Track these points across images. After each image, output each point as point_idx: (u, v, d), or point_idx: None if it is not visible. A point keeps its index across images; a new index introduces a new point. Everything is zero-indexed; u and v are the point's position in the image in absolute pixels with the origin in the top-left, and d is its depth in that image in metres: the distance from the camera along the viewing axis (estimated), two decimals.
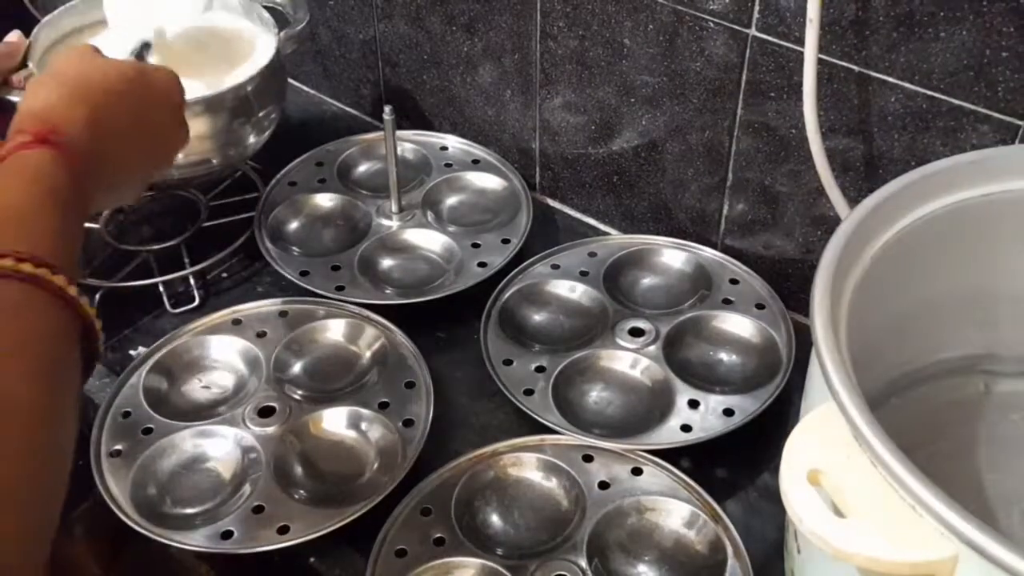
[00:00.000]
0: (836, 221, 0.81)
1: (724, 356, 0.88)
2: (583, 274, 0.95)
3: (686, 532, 0.75)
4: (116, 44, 0.90)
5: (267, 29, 1.00)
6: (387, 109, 0.95)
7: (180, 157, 0.79)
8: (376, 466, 0.80)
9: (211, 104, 0.92)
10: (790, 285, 0.93)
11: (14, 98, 0.86)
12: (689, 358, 0.88)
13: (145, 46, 0.83)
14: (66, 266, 0.54)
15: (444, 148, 1.11)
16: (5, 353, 0.49)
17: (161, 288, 0.95)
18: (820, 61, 0.78)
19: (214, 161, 0.97)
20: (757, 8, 0.81)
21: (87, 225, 1.02)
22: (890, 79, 0.77)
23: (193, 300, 0.95)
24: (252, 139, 0.99)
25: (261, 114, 0.98)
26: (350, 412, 0.83)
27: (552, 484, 0.79)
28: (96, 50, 0.72)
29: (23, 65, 0.90)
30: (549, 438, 0.81)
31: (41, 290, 0.52)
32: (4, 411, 0.47)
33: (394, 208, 1.01)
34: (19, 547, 0.44)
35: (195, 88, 0.88)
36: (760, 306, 0.91)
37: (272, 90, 0.99)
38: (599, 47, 0.94)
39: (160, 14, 0.88)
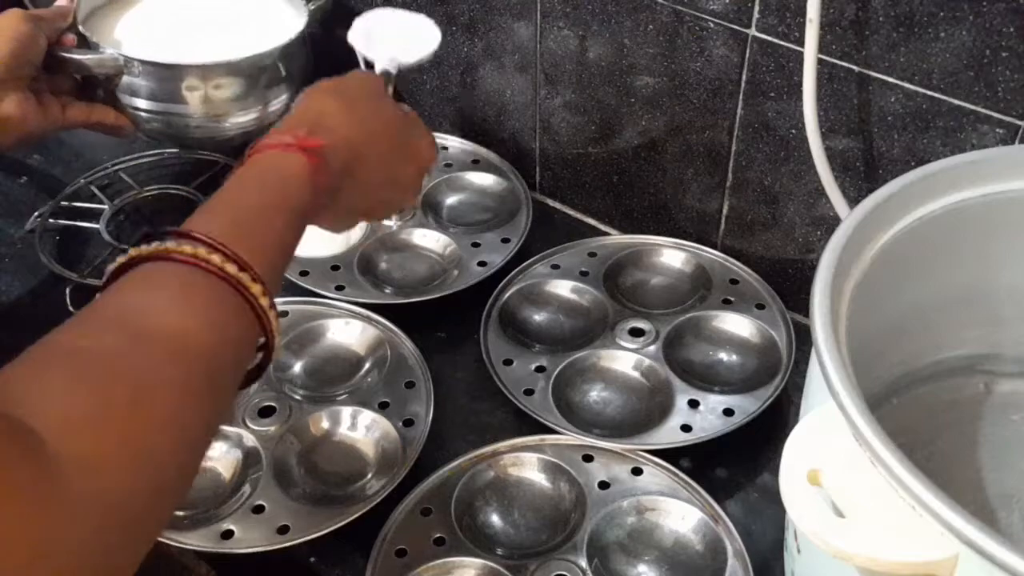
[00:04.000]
0: (836, 221, 0.81)
1: (724, 356, 0.88)
2: (583, 274, 0.95)
3: (686, 532, 0.75)
4: (161, 11, 0.98)
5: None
6: None
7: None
8: (376, 466, 0.80)
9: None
10: (790, 285, 0.93)
11: (70, 55, 0.90)
12: (689, 358, 0.88)
13: (388, 76, 0.84)
14: (268, 277, 0.54)
15: (444, 148, 1.11)
16: (171, 330, 0.48)
17: None
18: (820, 61, 0.78)
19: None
20: (757, 8, 0.81)
21: (88, 225, 1.02)
22: (890, 79, 0.77)
23: None
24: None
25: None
26: (350, 412, 0.83)
27: (552, 484, 0.79)
28: (383, 86, 0.76)
29: (74, 24, 0.92)
30: (549, 438, 0.81)
31: (234, 291, 0.52)
32: (143, 387, 0.45)
33: None
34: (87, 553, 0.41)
35: None
36: (760, 306, 0.91)
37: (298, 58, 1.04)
38: (599, 47, 0.94)
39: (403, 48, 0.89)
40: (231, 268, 0.52)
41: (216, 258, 0.51)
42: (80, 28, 0.94)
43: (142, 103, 0.97)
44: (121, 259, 0.52)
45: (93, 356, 0.45)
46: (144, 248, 0.51)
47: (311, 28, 1.03)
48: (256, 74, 0.99)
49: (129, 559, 0.43)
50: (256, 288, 0.52)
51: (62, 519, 0.38)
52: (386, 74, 0.81)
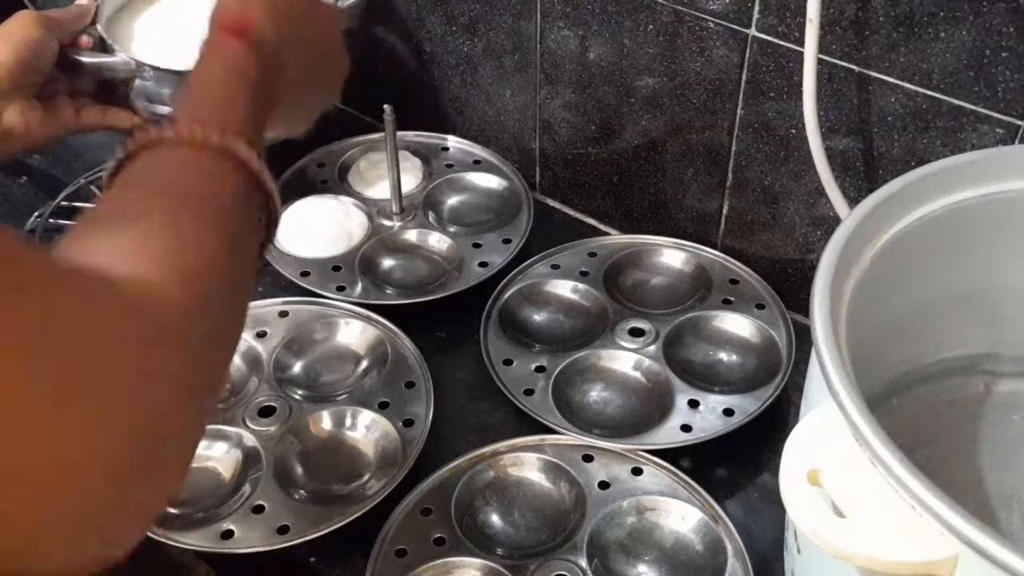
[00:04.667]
0: (836, 221, 0.81)
1: (724, 356, 0.88)
2: (583, 274, 0.95)
3: (686, 532, 0.75)
4: (182, 11, 0.95)
5: None
6: (387, 109, 0.95)
7: None
8: (376, 466, 0.80)
9: None
10: (790, 285, 0.93)
11: (84, 58, 0.88)
12: (689, 358, 0.88)
13: None
14: (256, 144, 0.56)
15: (444, 148, 1.11)
16: (193, 212, 0.50)
17: None
18: (820, 61, 0.78)
19: None
20: (757, 8, 0.81)
21: None
22: (890, 79, 0.77)
23: None
24: None
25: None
26: (350, 412, 0.83)
27: (552, 484, 0.79)
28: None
29: (91, 26, 0.91)
30: (549, 438, 0.81)
31: (228, 160, 0.54)
32: (189, 241, 0.48)
33: (395, 208, 1.01)
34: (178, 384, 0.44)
35: None
36: (760, 306, 0.91)
37: None
38: (599, 47, 0.94)
39: None
40: (217, 137, 0.54)
41: (212, 133, 0.54)
42: (99, 29, 0.92)
43: (159, 108, 0.94)
44: (124, 150, 0.54)
45: (135, 213, 0.48)
46: (140, 137, 0.54)
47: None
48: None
49: (205, 390, 0.47)
50: (243, 149, 0.55)
51: (160, 345, 0.42)
52: None
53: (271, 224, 0.59)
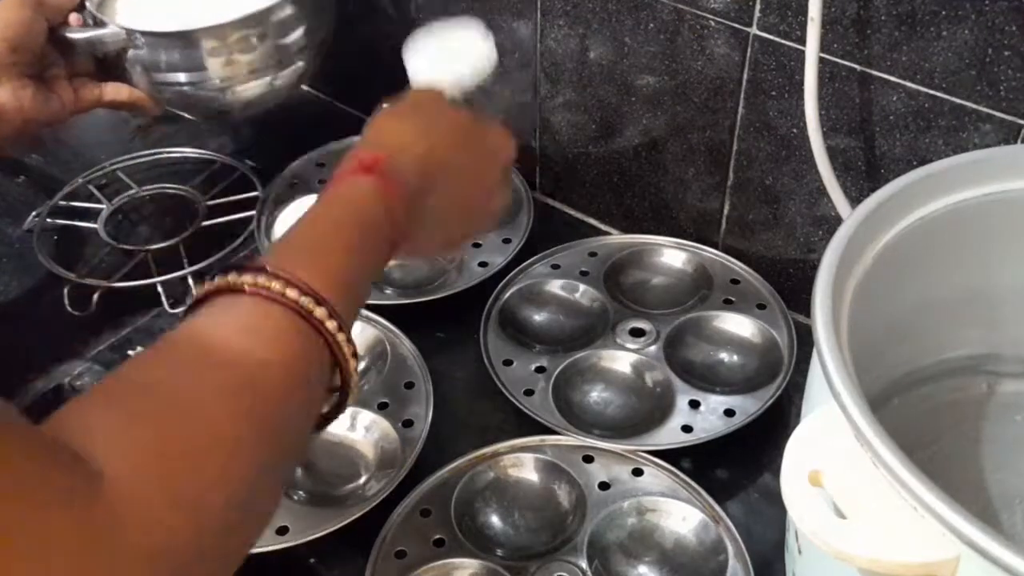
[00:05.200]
0: (837, 221, 0.81)
1: (725, 356, 0.88)
2: (583, 274, 0.95)
3: (687, 533, 0.75)
4: None
5: None
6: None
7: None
8: (375, 467, 0.80)
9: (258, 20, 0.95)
10: (791, 285, 0.93)
11: (73, 35, 0.88)
12: (690, 358, 0.88)
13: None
14: (339, 302, 0.52)
15: None
16: (241, 367, 0.47)
17: (160, 288, 0.95)
18: (822, 60, 0.78)
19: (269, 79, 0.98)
20: (758, 7, 0.81)
21: (86, 225, 1.02)
22: (892, 78, 0.77)
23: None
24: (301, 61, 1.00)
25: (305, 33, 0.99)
26: (350, 412, 0.83)
27: (552, 485, 0.79)
28: (443, 96, 0.73)
29: (81, 6, 0.91)
30: (549, 439, 0.80)
31: (299, 318, 0.50)
32: (217, 427, 0.44)
33: None
34: None
35: None
36: (761, 306, 0.91)
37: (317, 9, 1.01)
38: (599, 46, 0.93)
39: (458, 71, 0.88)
40: (292, 293, 0.50)
41: (276, 284, 0.50)
42: (88, 6, 0.92)
43: (157, 76, 0.94)
44: (196, 294, 0.51)
45: (157, 391, 0.44)
46: (208, 286, 0.51)
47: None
48: (265, 34, 0.95)
49: None
50: (320, 311, 0.50)
51: (108, 561, 0.38)
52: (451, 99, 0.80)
53: (344, 393, 0.54)
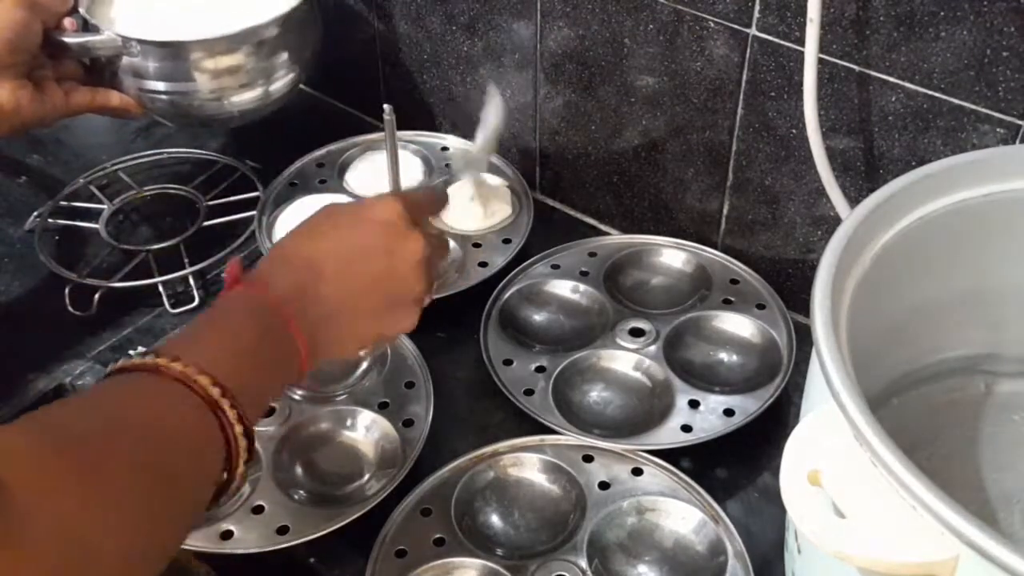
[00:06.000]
0: (837, 221, 0.81)
1: (724, 356, 0.88)
2: (583, 274, 0.95)
3: (686, 532, 0.75)
4: None
5: None
6: (387, 109, 0.94)
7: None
8: (376, 466, 0.80)
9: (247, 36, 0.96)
10: (791, 285, 0.93)
11: (69, 39, 0.89)
12: (689, 358, 0.88)
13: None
14: (228, 379, 0.56)
15: (444, 148, 1.11)
16: (129, 444, 0.51)
17: (161, 288, 0.95)
18: (821, 61, 0.78)
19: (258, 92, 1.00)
20: (758, 8, 0.81)
21: (87, 225, 1.02)
22: (891, 79, 0.77)
23: (193, 300, 0.95)
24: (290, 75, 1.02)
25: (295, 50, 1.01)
26: (350, 412, 0.83)
27: (552, 484, 0.79)
28: (353, 209, 0.71)
29: (74, 10, 0.91)
30: (549, 438, 0.81)
31: (211, 413, 0.55)
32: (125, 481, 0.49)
33: None
34: None
35: None
36: (760, 306, 0.91)
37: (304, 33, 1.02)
38: (599, 47, 0.94)
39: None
40: (215, 392, 0.55)
41: (203, 380, 0.55)
42: (81, 11, 0.93)
43: (148, 84, 0.95)
44: (114, 365, 0.56)
45: (71, 433, 0.48)
46: (136, 360, 0.55)
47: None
48: (258, 46, 0.97)
49: None
50: (233, 414, 0.55)
51: (24, 563, 0.42)
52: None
53: (227, 483, 0.57)
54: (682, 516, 0.75)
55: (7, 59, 0.83)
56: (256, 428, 0.80)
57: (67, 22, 0.90)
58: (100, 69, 0.94)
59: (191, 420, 0.54)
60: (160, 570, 0.51)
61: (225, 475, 0.56)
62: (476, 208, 1.01)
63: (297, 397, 0.85)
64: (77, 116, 0.94)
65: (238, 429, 0.55)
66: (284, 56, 0.99)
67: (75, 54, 0.91)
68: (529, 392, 0.84)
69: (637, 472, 0.78)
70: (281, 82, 1.01)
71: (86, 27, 0.92)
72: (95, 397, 0.55)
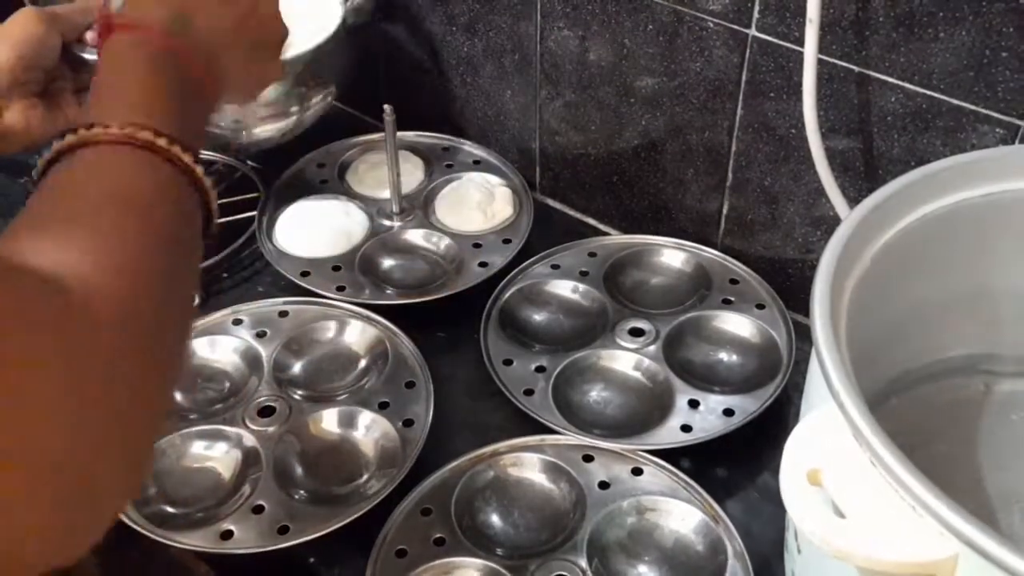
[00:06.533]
0: (836, 221, 0.81)
1: (724, 356, 0.88)
2: (583, 274, 0.95)
3: (686, 532, 0.75)
4: None
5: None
6: (387, 109, 0.95)
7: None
8: (376, 466, 0.80)
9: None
10: (790, 285, 0.93)
11: (86, 55, 0.86)
12: (689, 358, 0.88)
13: None
14: (185, 138, 0.56)
15: (444, 148, 1.11)
16: (122, 214, 0.51)
17: None
18: (820, 61, 0.78)
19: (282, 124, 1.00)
20: (757, 8, 0.81)
21: None
22: (890, 79, 0.77)
23: (193, 300, 0.95)
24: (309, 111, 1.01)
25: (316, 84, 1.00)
26: (350, 412, 0.83)
27: (552, 484, 0.79)
28: None
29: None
30: (549, 438, 0.81)
31: (160, 158, 0.54)
32: (130, 242, 0.49)
33: (395, 208, 1.01)
34: (126, 386, 0.44)
35: None
36: (760, 306, 0.91)
37: (335, 57, 1.01)
38: (599, 48, 0.94)
39: None
40: (162, 142, 0.54)
41: (145, 134, 0.54)
42: None
43: None
44: (48, 154, 0.54)
45: (81, 223, 0.49)
46: (69, 138, 0.54)
47: (352, 23, 1.01)
48: (290, 77, 0.96)
49: (155, 386, 0.48)
50: (176, 149, 0.55)
51: (89, 345, 0.42)
52: None
53: (209, 214, 0.60)
54: (682, 516, 0.75)
55: (20, 76, 0.80)
56: (256, 428, 0.81)
57: (89, 36, 0.88)
58: None
59: (163, 180, 0.54)
60: (191, 315, 0.55)
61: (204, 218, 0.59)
62: (477, 214, 1.01)
63: (297, 397, 0.85)
64: None
65: (200, 170, 0.56)
66: (318, 83, 0.99)
67: (93, 70, 0.89)
68: (529, 392, 0.84)
69: (637, 472, 0.78)
70: (314, 109, 1.01)
71: None
72: (73, 181, 0.53)
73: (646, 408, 0.84)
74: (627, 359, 0.87)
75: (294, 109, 0.99)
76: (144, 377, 0.46)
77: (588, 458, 0.79)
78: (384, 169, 1.01)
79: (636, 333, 0.89)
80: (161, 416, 0.48)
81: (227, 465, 0.80)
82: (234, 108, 0.96)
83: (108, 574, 0.92)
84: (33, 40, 0.81)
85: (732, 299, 0.92)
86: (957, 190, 0.64)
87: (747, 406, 0.82)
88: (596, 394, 0.86)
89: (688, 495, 0.76)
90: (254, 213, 1.02)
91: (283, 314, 0.92)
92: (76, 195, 0.51)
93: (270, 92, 0.95)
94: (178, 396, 0.86)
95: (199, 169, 0.56)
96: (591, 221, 1.06)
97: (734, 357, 0.88)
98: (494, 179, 1.05)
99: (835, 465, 0.50)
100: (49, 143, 0.85)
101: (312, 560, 0.75)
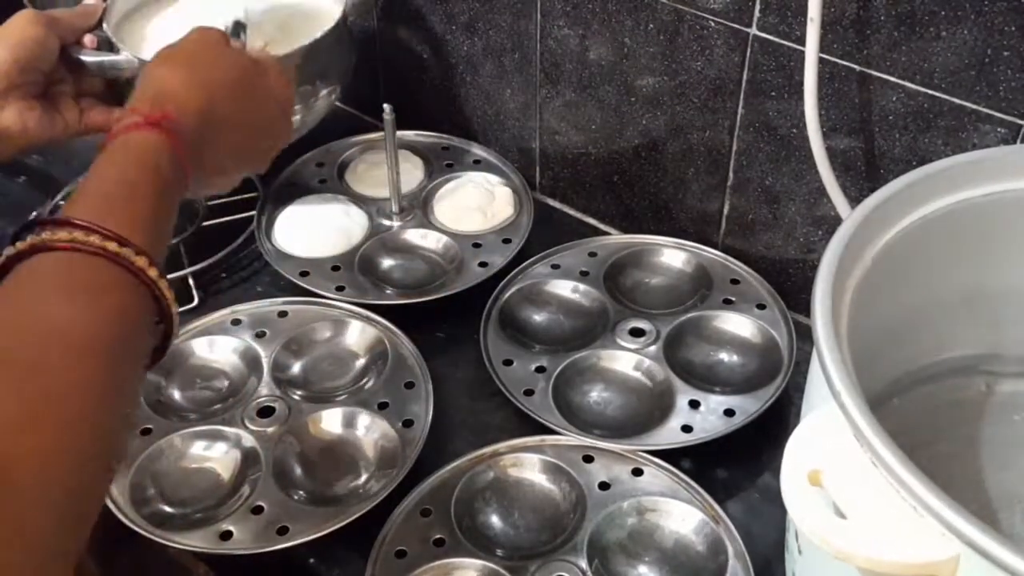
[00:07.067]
0: (837, 221, 0.81)
1: (725, 356, 0.88)
2: (583, 274, 0.95)
3: (687, 533, 0.75)
4: (194, 15, 0.91)
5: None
6: (387, 109, 0.95)
7: None
8: (376, 467, 0.80)
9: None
10: (791, 285, 0.93)
11: (86, 58, 0.87)
12: (690, 358, 0.88)
13: (239, 26, 0.83)
14: (152, 249, 0.55)
15: (445, 148, 1.11)
16: (71, 326, 0.49)
17: None
18: (821, 60, 0.78)
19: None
20: (758, 7, 0.81)
21: None
22: (891, 78, 0.77)
23: (192, 300, 0.95)
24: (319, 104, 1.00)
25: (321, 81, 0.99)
26: (350, 412, 0.83)
27: (552, 485, 0.79)
28: (224, 37, 0.74)
29: (98, 27, 0.90)
30: (549, 439, 0.80)
31: (121, 269, 0.53)
32: (55, 387, 0.47)
33: (394, 208, 1.01)
34: (38, 543, 0.44)
35: None
36: (761, 306, 0.91)
37: (336, 55, 1.00)
38: (599, 47, 0.94)
39: None
40: (112, 245, 0.52)
41: (95, 238, 0.52)
42: (105, 29, 0.91)
43: None
44: (7, 252, 0.53)
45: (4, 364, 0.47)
46: (20, 244, 0.52)
47: (354, 21, 1.01)
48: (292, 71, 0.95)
49: (71, 541, 0.46)
50: (141, 260, 0.53)
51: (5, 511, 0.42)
52: (236, 25, 0.82)
53: (168, 330, 0.57)
54: (682, 516, 0.75)
55: (16, 79, 0.80)
56: (255, 428, 0.81)
57: (87, 39, 0.87)
58: (121, 87, 0.92)
59: (106, 291, 0.52)
60: (120, 455, 0.52)
61: (162, 330, 0.56)
62: (477, 214, 1.01)
63: (296, 397, 0.85)
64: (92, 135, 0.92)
65: (152, 273, 0.54)
66: (320, 78, 0.98)
67: (92, 73, 0.89)
68: (529, 392, 0.84)
69: (637, 472, 0.78)
70: (317, 109, 1.00)
71: (110, 45, 0.91)
72: (6, 311, 0.51)
73: (646, 408, 0.84)
74: (627, 359, 0.87)
75: (297, 107, 0.98)
76: (62, 524, 0.45)
77: (588, 459, 0.79)
78: (383, 169, 1.01)
79: (636, 333, 0.89)
80: (84, 539, 0.47)
81: (226, 465, 0.80)
82: None
83: (107, 574, 0.92)
84: (30, 42, 0.80)
85: (733, 299, 0.91)
86: (959, 190, 0.64)
87: (748, 406, 0.82)
88: (596, 394, 0.85)
89: (689, 496, 0.76)
90: (253, 213, 1.01)
91: (282, 314, 0.92)
92: (7, 328, 0.49)
93: None
94: (177, 396, 0.86)
95: (164, 284, 0.55)
96: (591, 221, 1.06)
97: (735, 357, 0.88)
98: (494, 179, 1.05)
99: (836, 465, 0.50)
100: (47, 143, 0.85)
101: (311, 561, 0.75)
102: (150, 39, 0.96)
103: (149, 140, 0.62)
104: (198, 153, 0.65)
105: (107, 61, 0.88)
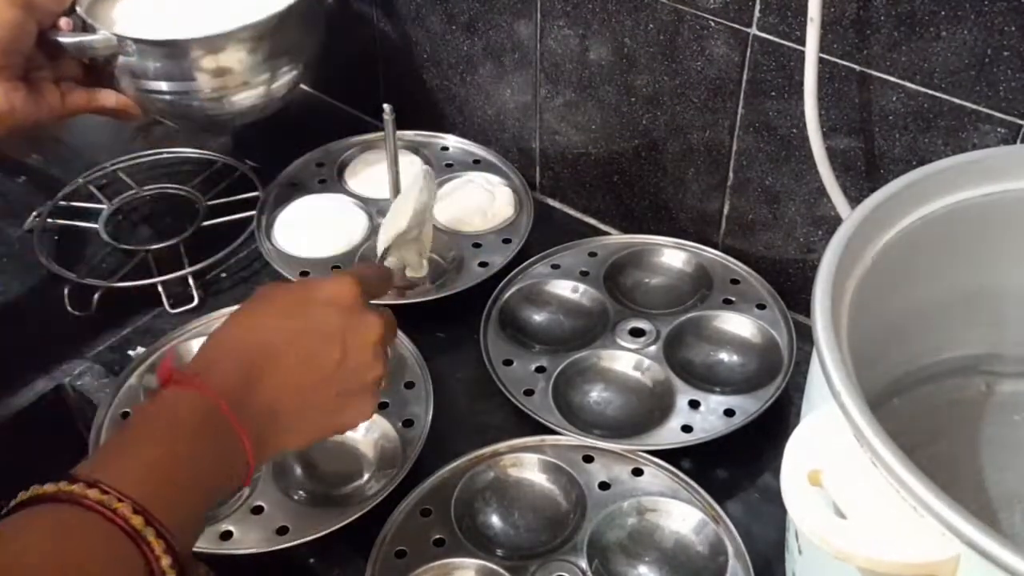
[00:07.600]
0: (837, 221, 0.81)
1: (725, 356, 0.88)
2: (583, 274, 0.95)
3: (687, 533, 0.75)
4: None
5: None
6: (387, 109, 0.95)
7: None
8: (376, 467, 0.80)
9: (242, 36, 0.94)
10: (791, 285, 0.93)
11: (64, 39, 0.88)
12: (690, 358, 0.88)
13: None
14: (179, 525, 0.52)
15: (444, 148, 1.11)
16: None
17: (160, 288, 0.95)
18: (821, 60, 0.78)
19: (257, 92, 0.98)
20: (758, 7, 0.81)
21: (87, 225, 1.02)
22: (891, 78, 0.77)
23: (192, 300, 0.95)
24: (290, 74, 1.00)
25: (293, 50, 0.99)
26: None
27: (552, 485, 0.79)
28: (279, 296, 0.66)
29: (72, 10, 0.90)
30: (549, 439, 0.80)
31: (110, 524, 0.50)
32: None
33: None
34: None
35: None
36: (761, 306, 0.91)
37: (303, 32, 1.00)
38: (599, 47, 0.94)
39: None
40: (137, 521, 0.50)
41: (123, 508, 0.50)
42: (79, 10, 0.92)
43: (146, 84, 0.94)
44: (24, 495, 0.51)
45: None
46: (49, 487, 0.50)
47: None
48: (257, 43, 0.95)
49: None
50: (159, 546, 0.50)
51: None
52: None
53: None
54: (682, 516, 0.75)
55: (0, 61, 0.82)
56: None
57: (63, 22, 0.89)
58: (99, 69, 0.93)
59: (109, 559, 0.49)
60: None
61: None
62: (477, 214, 1.01)
63: None
64: (75, 117, 0.93)
65: (165, 562, 0.50)
66: (285, 53, 0.98)
67: (71, 54, 0.90)
68: (529, 392, 0.84)
69: (637, 472, 0.78)
70: (283, 80, 0.99)
71: (84, 27, 0.92)
72: (13, 555, 0.48)
73: (646, 408, 0.84)
74: (627, 359, 0.87)
75: (263, 78, 0.97)
76: None
77: (588, 459, 0.79)
78: (383, 168, 1.01)
79: (636, 333, 0.89)
80: None
81: None
82: (205, 78, 0.95)
83: None
84: (10, 25, 0.82)
85: (733, 299, 0.91)
86: (959, 190, 0.64)
87: (748, 406, 0.82)
88: (596, 394, 0.85)
89: (689, 496, 0.76)
90: (253, 212, 1.01)
91: None
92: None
93: (239, 64, 0.95)
94: None
95: (166, 562, 0.50)
96: (591, 221, 1.06)
97: (735, 357, 0.88)
98: (494, 179, 1.05)
99: (836, 465, 0.50)
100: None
101: (312, 561, 0.75)
102: (120, 20, 0.96)
103: (173, 394, 0.58)
104: (242, 397, 0.59)
105: (85, 41, 0.90)
